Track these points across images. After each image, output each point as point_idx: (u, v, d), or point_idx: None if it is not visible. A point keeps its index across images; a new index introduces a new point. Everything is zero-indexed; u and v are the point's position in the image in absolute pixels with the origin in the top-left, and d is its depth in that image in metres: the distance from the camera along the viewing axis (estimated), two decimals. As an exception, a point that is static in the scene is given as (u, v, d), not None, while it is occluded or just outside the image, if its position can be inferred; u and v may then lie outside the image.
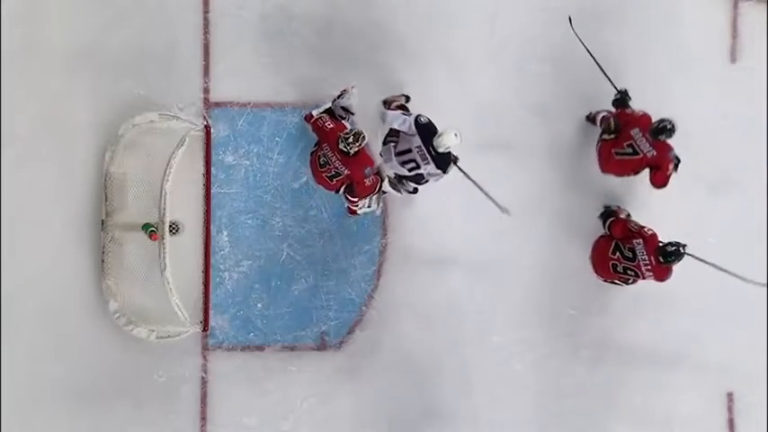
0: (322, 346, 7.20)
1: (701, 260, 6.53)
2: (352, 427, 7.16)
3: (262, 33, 7.18)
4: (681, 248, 6.43)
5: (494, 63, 7.20)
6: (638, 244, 6.52)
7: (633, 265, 6.58)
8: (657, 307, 7.19)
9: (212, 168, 7.13)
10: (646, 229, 6.58)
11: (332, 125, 6.60)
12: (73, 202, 7.11)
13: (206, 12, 7.18)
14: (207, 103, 7.19)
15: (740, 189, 7.25)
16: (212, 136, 7.14)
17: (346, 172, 6.59)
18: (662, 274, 6.56)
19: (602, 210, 7.12)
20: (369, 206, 7.04)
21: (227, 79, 7.18)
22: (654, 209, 7.18)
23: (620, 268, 6.62)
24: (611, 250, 6.64)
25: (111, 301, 7.07)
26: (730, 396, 7.23)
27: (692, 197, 7.23)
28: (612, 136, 6.70)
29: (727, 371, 7.22)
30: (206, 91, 7.18)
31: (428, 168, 6.60)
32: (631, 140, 6.62)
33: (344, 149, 6.45)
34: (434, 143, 6.47)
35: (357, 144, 6.43)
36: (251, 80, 7.16)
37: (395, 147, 6.64)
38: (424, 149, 6.52)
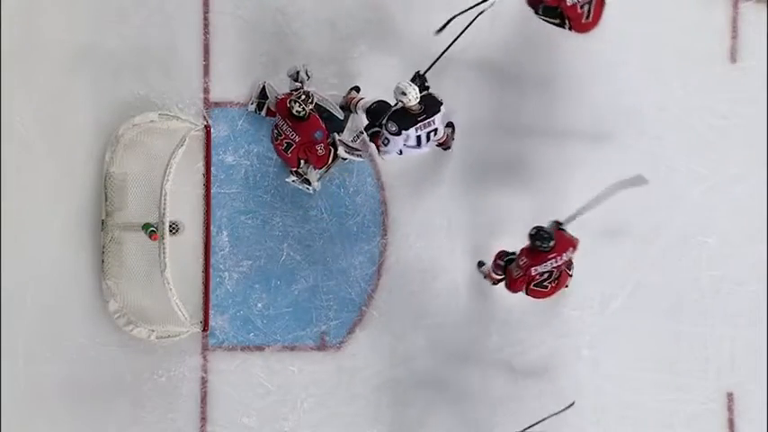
0: (322, 346, 7.20)
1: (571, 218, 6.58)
2: (351, 428, 7.16)
3: (262, 33, 7.18)
4: (534, 230, 6.35)
5: (493, 62, 7.21)
6: (535, 268, 6.42)
7: (557, 273, 6.50)
8: (657, 307, 7.19)
9: (212, 168, 7.14)
10: (521, 260, 6.44)
11: (282, 96, 6.61)
12: (73, 202, 7.12)
13: (206, 12, 7.19)
14: (207, 103, 7.19)
15: (740, 189, 7.24)
16: (212, 136, 7.14)
17: (297, 138, 6.56)
18: (564, 246, 6.45)
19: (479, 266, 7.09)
20: (308, 183, 6.98)
21: (227, 79, 7.18)
22: (652, 210, 7.19)
23: (555, 275, 6.52)
24: (534, 285, 6.55)
25: (112, 301, 7.07)
26: (730, 396, 7.22)
27: (691, 197, 7.24)
28: (558, 21, 6.59)
29: (727, 371, 7.22)
30: (206, 91, 7.19)
31: (437, 119, 6.54)
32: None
33: (296, 111, 6.42)
34: (405, 106, 6.35)
35: (308, 102, 6.41)
36: (251, 80, 7.16)
37: (410, 147, 6.64)
38: (420, 125, 6.47)
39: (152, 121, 7.04)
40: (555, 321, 7.20)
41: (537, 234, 6.34)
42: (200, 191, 7.14)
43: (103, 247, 7.08)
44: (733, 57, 7.28)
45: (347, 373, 7.17)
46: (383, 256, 7.20)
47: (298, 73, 6.76)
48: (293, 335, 7.19)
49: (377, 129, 6.64)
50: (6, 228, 7.03)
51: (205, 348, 7.18)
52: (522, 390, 7.17)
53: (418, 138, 6.53)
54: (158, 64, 7.14)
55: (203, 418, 7.14)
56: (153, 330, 7.05)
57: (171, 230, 6.79)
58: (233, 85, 7.17)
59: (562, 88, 7.19)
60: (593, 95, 7.19)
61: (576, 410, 7.13)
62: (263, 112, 7.09)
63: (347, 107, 6.98)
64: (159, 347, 7.10)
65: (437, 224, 7.18)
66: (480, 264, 7.11)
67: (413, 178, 7.20)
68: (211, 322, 7.13)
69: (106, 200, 7.05)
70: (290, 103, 6.43)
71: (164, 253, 6.64)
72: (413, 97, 6.32)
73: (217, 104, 7.19)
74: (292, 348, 7.20)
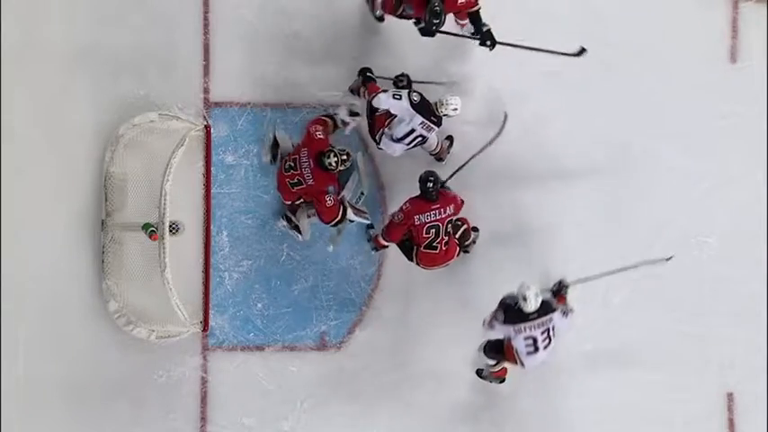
0: (322, 346, 7.20)
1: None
2: (351, 428, 7.16)
3: (262, 33, 7.19)
4: (425, 174, 6.52)
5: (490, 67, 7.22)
6: (418, 216, 6.54)
7: (443, 232, 6.60)
8: (658, 307, 7.20)
9: (212, 168, 7.14)
10: (405, 206, 6.59)
11: (322, 136, 6.68)
12: (73, 202, 7.12)
13: (206, 12, 7.19)
14: (207, 103, 7.19)
15: (740, 189, 7.25)
16: (212, 136, 7.14)
17: (310, 182, 6.63)
18: (447, 201, 6.60)
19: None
20: (298, 231, 7.03)
21: (227, 79, 7.18)
22: (653, 210, 7.19)
23: (443, 234, 6.60)
24: (424, 248, 6.63)
25: (112, 301, 7.07)
26: (730, 396, 7.22)
27: (691, 197, 7.24)
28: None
29: (727, 371, 7.22)
30: (206, 91, 7.19)
31: (433, 134, 6.69)
32: None
33: (327, 164, 6.53)
34: (441, 108, 6.56)
35: (346, 164, 6.59)
36: (251, 80, 7.17)
37: (392, 137, 6.68)
38: (427, 122, 6.60)
39: (152, 121, 7.04)
40: (555, 321, 7.20)
41: (428, 178, 6.49)
42: (201, 191, 7.14)
43: (103, 247, 7.08)
44: (733, 57, 7.28)
45: (347, 373, 7.17)
46: (383, 256, 7.20)
47: (357, 114, 6.88)
48: (293, 335, 7.19)
49: (370, 76, 6.81)
50: (6, 228, 7.03)
51: (205, 348, 7.18)
52: (523, 389, 7.16)
53: (411, 130, 6.61)
54: (158, 64, 7.15)
55: (203, 418, 7.14)
56: (153, 330, 7.05)
57: (171, 230, 6.79)
58: (233, 85, 7.18)
59: (562, 88, 7.18)
60: (592, 96, 7.19)
61: (577, 410, 7.16)
62: (278, 162, 7.03)
63: (357, 91, 6.99)
64: (159, 347, 7.10)
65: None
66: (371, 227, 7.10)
67: (413, 179, 7.18)
68: (211, 322, 7.13)
69: (106, 200, 7.05)
70: (327, 155, 6.52)
71: (164, 253, 6.64)
72: (453, 107, 6.56)
73: (217, 104, 7.19)
74: (292, 348, 7.20)
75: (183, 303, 6.81)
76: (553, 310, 6.37)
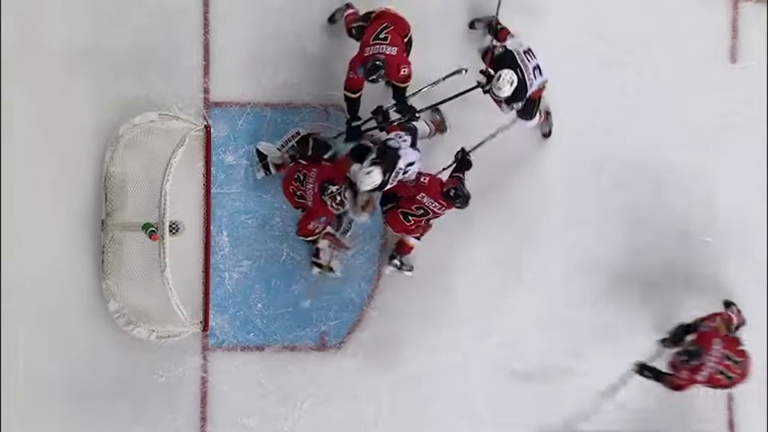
0: (322, 346, 7.20)
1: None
2: (351, 428, 7.17)
3: (262, 34, 7.19)
4: (458, 189, 6.58)
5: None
6: (423, 197, 6.64)
7: (424, 215, 6.69)
8: (657, 307, 7.19)
9: (212, 168, 7.14)
10: (422, 180, 6.65)
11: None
12: (73, 202, 7.12)
13: (206, 12, 7.19)
14: (207, 103, 7.19)
15: (740, 188, 7.25)
16: (212, 136, 7.14)
17: (310, 203, 6.66)
18: (446, 205, 6.66)
19: None
20: (332, 270, 7.08)
21: (227, 79, 7.18)
22: (653, 209, 7.19)
23: (423, 215, 6.70)
24: (402, 213, 6.71)
25: (112, 301, 7.07)
26: (730, 396, 7.22)
27: (691, 196, 7.24)
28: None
29: (727, 371, 7.23)
30: (206, 91, 7.19)
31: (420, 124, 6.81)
32: None
33: (325, 195, 6.52)
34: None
35: (337, 206, 6.54)
36: (251, 80, 7.17)
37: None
38: (403, 169, 6.55)
39: (152, 121, 7.04)
40: (554, 321, 7.20)
41: (458, 189, 6.56)
42: (201, 191, 7.14)
43: (103, 247, 7.08)
44: (733, 57, 7.29)
45: (347, 373, 7.18)
46: (383, 256, 7.20)
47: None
48: (293, 335, 7.19)
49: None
50: (6, 228, 7.03)
51: (205, 348, 7.18)
52: (522, 389, 7.17)
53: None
54: (158, 64, 7.15)
55: (203, 418, 7.14)
56: (153, 330, 7.06)
57: (171, 230, 6.80)
58: (233, 85, 7.18)
59: (562, 88, 7.18)
60: (592, 96, 7.19)
61: (576, 411, 7.15)
62: (273, 170, 7.06)
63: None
64: (159, 347, 7.10)
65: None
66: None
67: (413, 178, 7.20)
68: (211, 322, 7.13)
69: (106, 200, 7.05)
70: (328, 188, 6.50)
71: (164, 253, 6.64)
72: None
73: (217, 104, 7.20)
74: (292, 348, 7.20)
75: (183, 303, 6.82)
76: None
